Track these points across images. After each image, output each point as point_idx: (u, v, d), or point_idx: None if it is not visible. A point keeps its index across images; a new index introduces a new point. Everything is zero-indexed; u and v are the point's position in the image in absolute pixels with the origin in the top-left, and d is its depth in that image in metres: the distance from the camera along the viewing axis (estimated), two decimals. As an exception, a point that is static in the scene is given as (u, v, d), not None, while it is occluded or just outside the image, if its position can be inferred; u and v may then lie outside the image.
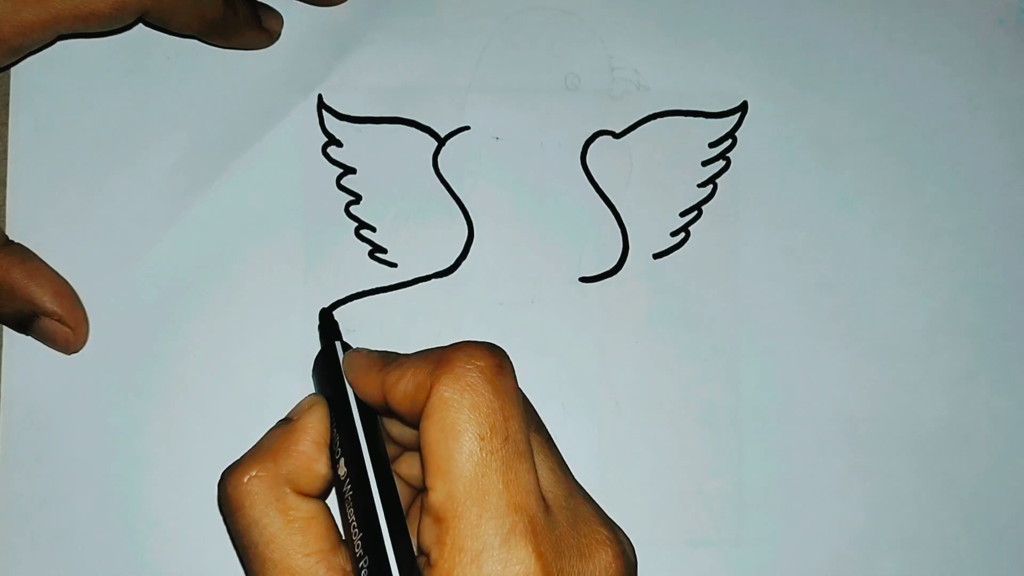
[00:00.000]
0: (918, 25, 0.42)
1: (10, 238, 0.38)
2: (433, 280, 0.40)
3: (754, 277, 0.40)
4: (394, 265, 0.40)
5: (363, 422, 0.31)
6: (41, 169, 0.39)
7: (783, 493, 0.39)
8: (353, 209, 0.40)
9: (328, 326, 0.37)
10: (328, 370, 0.34)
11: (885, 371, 0.40)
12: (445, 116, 0.40)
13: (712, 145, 0.41)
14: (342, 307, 0.39)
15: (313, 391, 0.35)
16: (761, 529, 0.39)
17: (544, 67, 0.41)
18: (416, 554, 0.28)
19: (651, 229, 0.40)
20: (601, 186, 0.40)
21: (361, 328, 0.39)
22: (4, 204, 0.39)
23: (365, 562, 0.28)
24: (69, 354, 0.38)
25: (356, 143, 0.40)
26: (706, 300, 0.40)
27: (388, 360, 0.30)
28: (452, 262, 0.40)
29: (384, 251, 0.40)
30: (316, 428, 0.31)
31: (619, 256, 0.40)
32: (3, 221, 0.39)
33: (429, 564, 0.27)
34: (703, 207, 0.41)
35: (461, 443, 0.27)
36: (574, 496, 0.30)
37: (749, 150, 0.41)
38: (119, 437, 0.38)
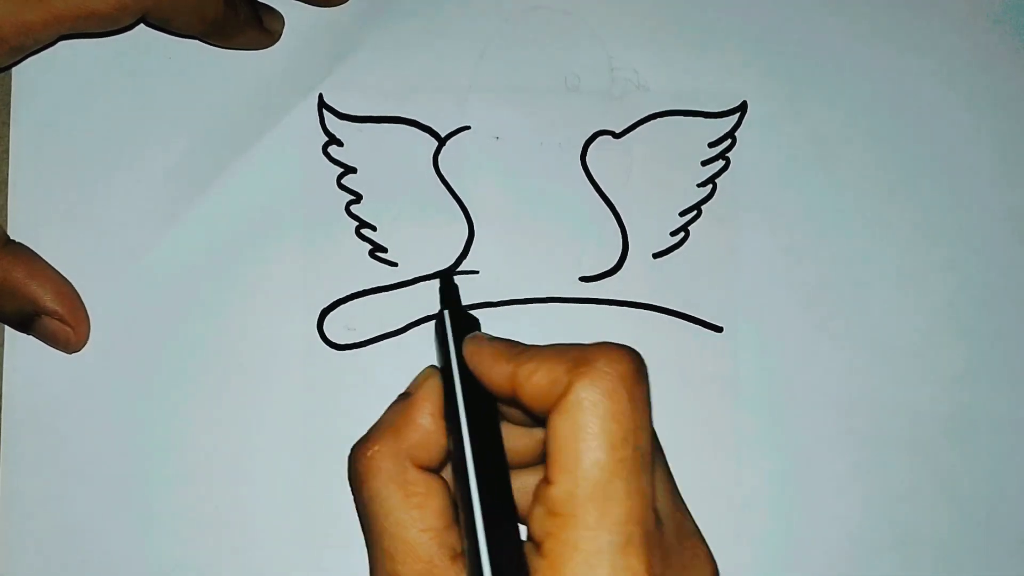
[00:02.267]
0: (916, 26, 0.42)
1: (11, 238, 0.38)
2: (433, 280, 0.40)
3: (753, 276, 0.40)
4: (394, 264, 0.40)
5: (469, 395, 0.31)
6: (42, 169, 0.39)
7: (782, 492, 0.40)
8: (353, 208, 0.40)
9: (448, 292, 0.36)
10: (440, 339, 0.34)
11: (883, 370, 0.40)
12: (445, 116, 0.40)
13: (712, 145, 0.41)
14: (341, 306, 0.39)
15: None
16: (760, 528, 0.39)
17: (544, 67, 0.41)
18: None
19: (651, 229, 0.40)
20: (601, 186, 0.40)
21: (361, 328, 0.39)
22: (5, 204, 0.39)
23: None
24: (70, 353, 0.38)
25: (357, 142, 0.40)
26: (705, 300, 0.40)
27: (517, 351, 0.30)
28: (452, 262, 0.40)
29: (384, 250, 0.40)
30: (433, 401, 0.32)
31: (619, 256, 0.40)
32: (4, 221, 0.39)
33: (538, 552, 0.28)
34: (703, 207, 0.41)
35: (592, 447, 0.27)
36: (680, 509, 0.31)
37: (748, 150, 0.41)
38: (120, 437, 0.38)
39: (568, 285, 0.40)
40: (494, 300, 0.39)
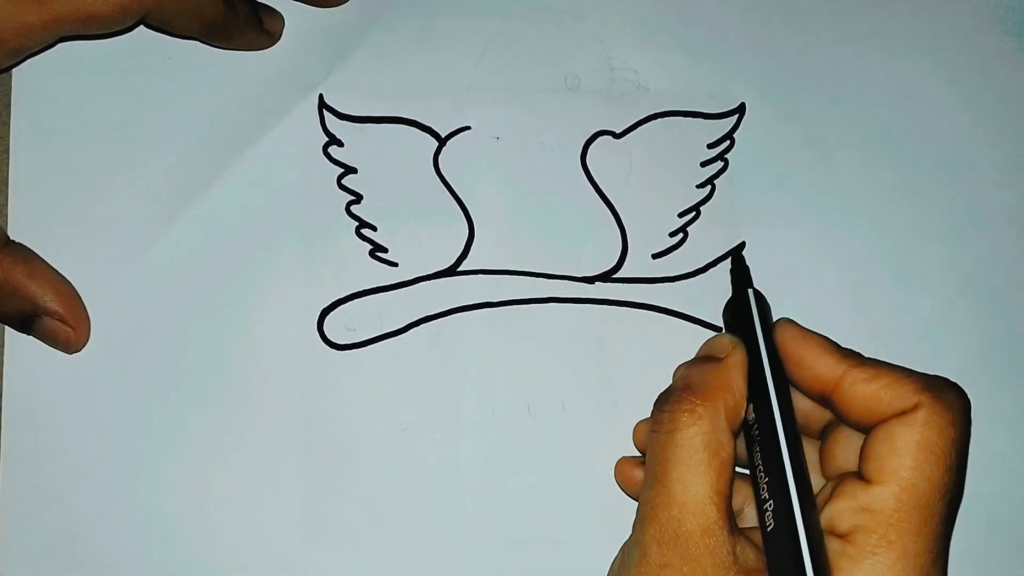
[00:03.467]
0: (914, 27, 0.42)
1: (12, 238, 0.38)
2: (433, 280, 0.40)
3: (752, 277, 0.40)
4: (395, 264, 0.40)
5: (778, 377, 0.33)
6: (42, 169, 0.39)
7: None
8: (354, 208, 0.40)
9: (741, 272, 0.37)
10: (740, 317, 0.35)
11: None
12: (446, 116, 0.40)
13: (711, 146, 0.41)
14: (341, 306, 0.39)
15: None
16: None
17: (544, 67, 0.41)
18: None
19: (650, 229, 0.40)
20: (601, 186, 0.40)
21: (361, 328, 0.39)
22: (6, 204, 0.39)
23: (769, 505, 0.30)
24: (70, 353, 0.38)
25: (357, 143, 0.40)
26: (704, 300, 0.40)
27: (848, 353, 0.33)
28: (452, 262, 0.40)
29: (385, 250, 0.40)
30: (743, 369, 0.33)
31: (618, 256, 0.40)
32: (5, 221, 0.39)
33: (843, 539, 0.30)
34: (701, 208, 0.41)
35: (932, 467, 0.30)
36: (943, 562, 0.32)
37: (747, 151, 0.41)
38: (120, 436, 0.38)
39: (568, 285, 0.40)
40: (494, 300, 0.40)
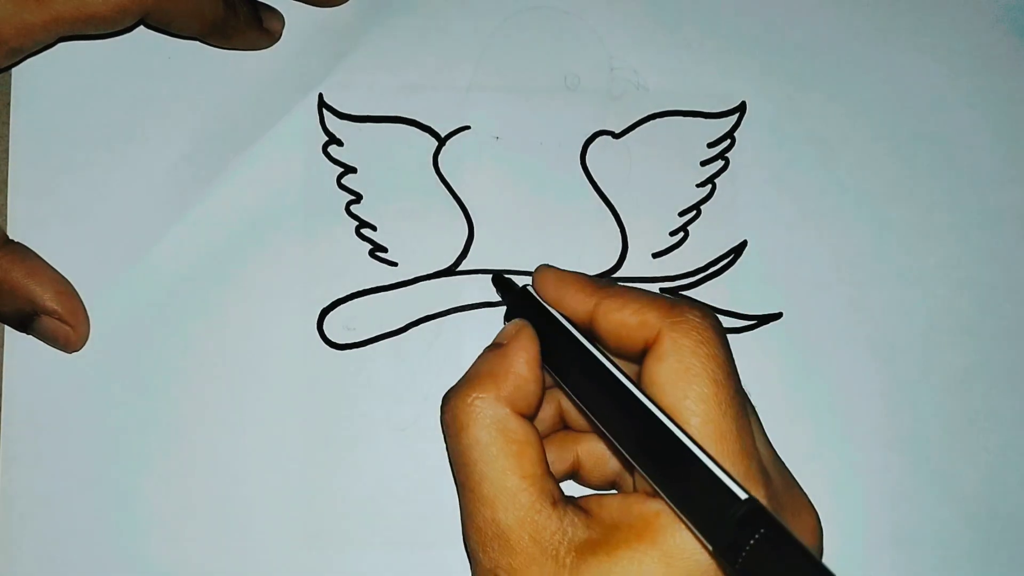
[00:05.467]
0: (916, 25, 0.42)
1: (11, 237, 0.38)
2: (433, 279, 0.40)
3: (752, 277, 0.40)
4: (394, 264, 0.40)
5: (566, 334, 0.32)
6: (42, 169, 0.39)
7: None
8: (354, 208, 0.40)
9: (504, 284, 0.37)
10: (522, 303, 0.34)
11: (883, 369, 0.40)
12: (445, 116, 0.40)
13: (711, 145, 0.41)
14: (341, 306, 0.39)
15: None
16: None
17: (544, 67, 0.41)
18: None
19: (650, 228, 0.40)
20: (600, 186, 0.40)
21: (361, 327, 0.39)
22: (5, 204, 0.39)
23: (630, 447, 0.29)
24: (70, 353, 0.38)
25: (357, 142, 0.40)
26: (705, 299, 0.40)
27: (599, 284, 0.32)
28: (452, 261, 0.40)
29: (384, 250, 0.40)
30: (528, 349, 0.32)
31: (618, 255, 0.40)
32: (4, 220, 0.39)
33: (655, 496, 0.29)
34: (702, 207, 0.41)
35: (698, 386, 0.29)
36: (778, 461, 0.32)
37: (747, 150, 0.41)
38: (119, 437, 0.38)
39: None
40: (494, 300, 0.39)
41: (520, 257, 0.40)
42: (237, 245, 0.39)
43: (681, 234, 0.40)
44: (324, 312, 0.39)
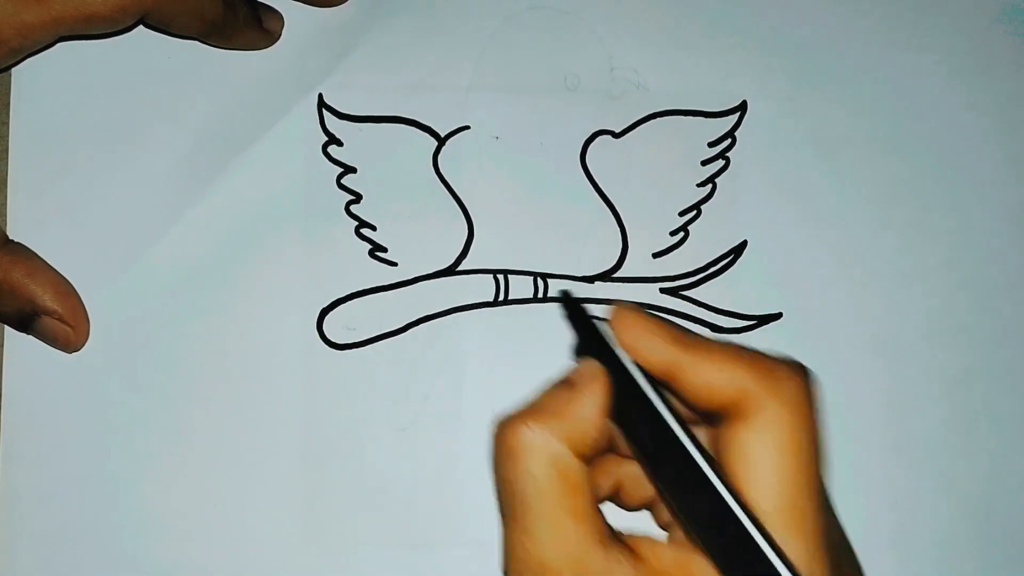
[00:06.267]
0: (917, 24, 0.42)
1: (11, 237, 0.38)
2: (433, 279, 0.40)
3: (752, 277, 0.40)
4: (394, 264, 0.40)
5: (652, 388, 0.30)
6: (42, 169, 0.39)
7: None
8: (353, 208, 0.40)
9: (577, 311, 0.33)
10: (594, 341, 0.32)
11: (883, 369, 0.40)
12: (445, 115, 0.40)
13: (711, 145, 0.41)
14: (341, 306, 0.39)
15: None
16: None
17: (544, 67, 0.41)
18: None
19: (650, 228, 0.40)
20: (601, 186, 0.40)
21: (361, 327, 0.39)
22: (5, 204, 0.39)
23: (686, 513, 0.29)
24: (70, 353, 0.38)
25: (356, 142, 0.40)
26: (705, 299, 0.40)
27: (682, 334, 0.30)
28: (452, 261, 0.40)
29: (384, 250, 0.40)
30: (599, 396, 0.30)
31: (618, 255, 0.40)
32: (4, 220, 0.39)
33: None
34: (702, 207, 0.41)
35: (785, 460, 0.28)
36: (835, 515, 0.31)
37: (748, 149, 0.41)
38: (119, 436, 0.38)
39: (568, 285, 0.40)
40: (493, 300, 0.39)
41: (520, 257, 0.40)
42: (237, 245, 0.39)
43: (681, 234, 0.40)
44: (324, 312, 0.39)
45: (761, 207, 0.41)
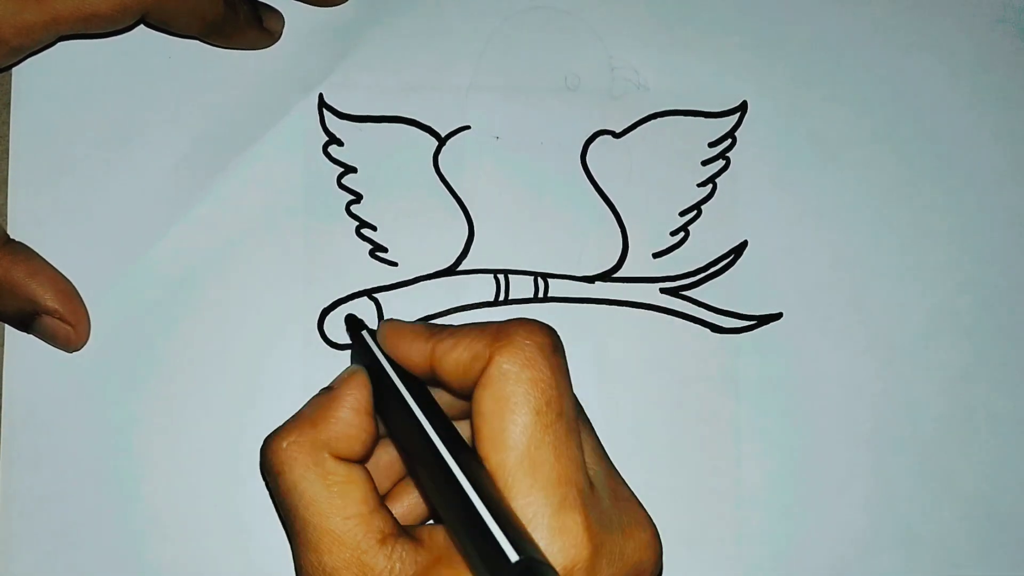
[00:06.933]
0: (917, 24, 0.42)
1: (11, 237, 0.38)
2: (433, 279, 0.40)
3: (752, 277, 0.40)
4: (395, 264, 0.40)
5: (408, 387, 0.31)
6: (42, 168, 0.39)
7: (782, 493, 0.39)
8: (354, 208, 0.40)
9: (353, 325, 0.36)
10: (362, 349, 0.34)
11: (884, 369, 0.40)
12: (446, 115, 0.40)
13: (712, 145, 0.41)
14: (341, 306, 0.39)
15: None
16: (760, 529, 0.39)
17: (544, 67, 0.41)
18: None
19: (651, 228, 0.40)
20: (601, 185, 0.40)
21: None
22: (5, 203, 0.39)
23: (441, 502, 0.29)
24: (70, 352, 0.38)
25: (357, 142, 0.40)
26: (705, 299, 0.40)
27: (436, 329, 0.31)
28: (452, 261, 0.40)
29: (385, 250, 0.40)
30: (356, 395, 0.31)
31: (619, 255, 0.40)
32: (4, 220, 0.39)
33: None
34: (703, 207, 0.41)
35: (517, 415, 0.28)
36: (613, 476, 0.31)
37: (749, 150, 0.41)
38: (119, 436, 0.38)
39: (568, 284, 0.40)
40: (493, 300, 0.39)
41: (521, 257, 0.40)
42: (237, 245, 0.39)
43: (682, 234, 0.40)
44: (324, 312, 0.39)
45: (761, 207, 0.41)
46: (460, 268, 0.40)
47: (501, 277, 0.40)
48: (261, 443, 0.31)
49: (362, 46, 0.40)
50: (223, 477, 0.38)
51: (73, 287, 0.38)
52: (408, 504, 0.35)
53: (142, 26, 0.39)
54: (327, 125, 0.40)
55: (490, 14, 0.41)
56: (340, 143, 0.40)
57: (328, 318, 0.39)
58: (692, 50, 0.41)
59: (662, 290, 0.40)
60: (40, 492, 0.38)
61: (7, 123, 0.39)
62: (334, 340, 0.39)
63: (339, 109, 0.40)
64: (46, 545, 0.38)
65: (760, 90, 0.41)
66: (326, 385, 0.33)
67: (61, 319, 0.37)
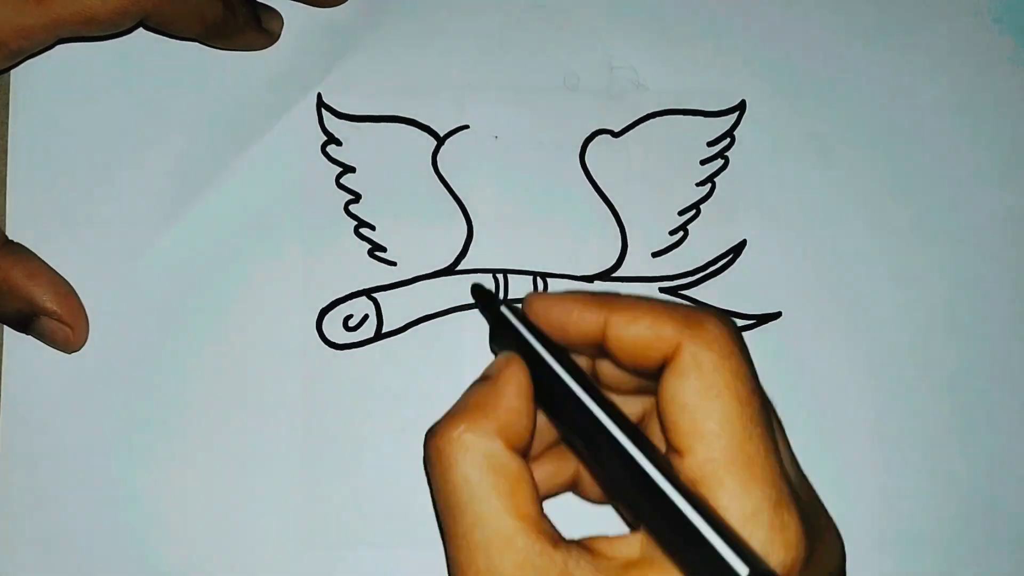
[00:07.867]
0: (914, 25, 0.42)
1: (10, 238, 0.38)
2: (432, 279, 0.40)
3: (752, 276, 0.40)
4: (393, 264, 0.40)
5: (566, 367, 0.29)
6: (41, 169, 0.39)
7: (783, 492, 0.39)
8: (352, 208, 0.40)
9: (490, 300, 0.32)
10: (503, 335, 0.31)
11: (883, 369, 0.40)
12: (444, 115, 0.40)
13: (710, 144, 0.41)
14: (340, 306, 0.39)
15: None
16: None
17: (543, 66, 0.41)
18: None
19: (650, 228, 0.40)
20: (600, 185, 0.40)
21: (360, 327, 0.39)
22: (4, 204, 0.39)
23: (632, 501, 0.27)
24: (69, 353, 0.38)
25: (355, 142, 0.40)
26: (705, 299, 0.40)
27: (606, 299, 0.29)
28: (452, 261, 0.40)
29: (383, 250, 0.40)
30: (519, 381, 0.29)
31: (618, 254, 0.40)
32: (3, 221, 0.39)
33: None
34: (701, 206, 0.41)
35: (724, 407, 0.27)
36: (802, 474, 0.30)
37: (747, 149, 0.41)
38: (118, 436, 0.38)
39: (567, 284, 0.40)
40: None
41: (520, 256, 0.40)
42: (237, 245, 0.39)
43: (681, 233, 0.40)
44: (323, 312, 0.39)
45: (761, 207, 0.41)
46: (459, 268, 0.40)
47: (500, 276, 0.40)
48: (427, 433, 0.29)
49: (361, 46, 0.40)
50: (222, 477, 0.38)
51: (71, 288, 0.38)
52: (555, 480, 0.33)
53: (142, 27, 0.39)
54: (326, 125, 0.40)
55: (490, 14, 0.41)
56: (339, 143, 0.40)
57: (327, 318, 0.39)
58: (691, 49, 0.41)
59: (661, 289, 0.40)
60: (38, 492, 0.38)
61: (6, 124, 0.39)
62: (332, 340, 0.39)
63: (338, 109, 0.40)
64: (45, 545, 0.38)
65: (758, 89, 0.41)
66: (481, 375, 0.30)
67: (59, 320, 0.38)
